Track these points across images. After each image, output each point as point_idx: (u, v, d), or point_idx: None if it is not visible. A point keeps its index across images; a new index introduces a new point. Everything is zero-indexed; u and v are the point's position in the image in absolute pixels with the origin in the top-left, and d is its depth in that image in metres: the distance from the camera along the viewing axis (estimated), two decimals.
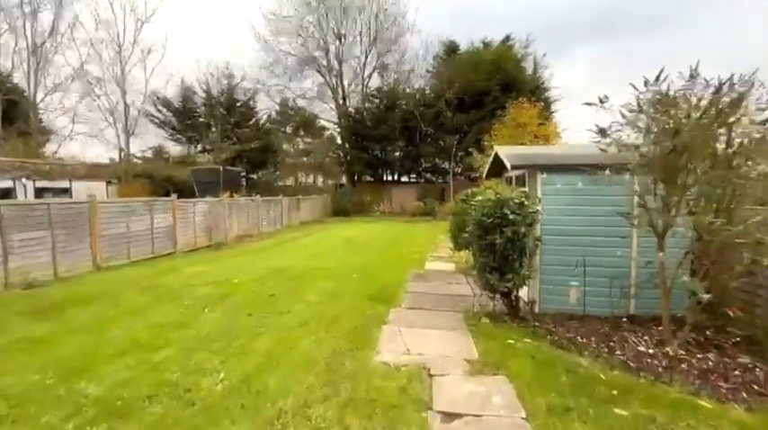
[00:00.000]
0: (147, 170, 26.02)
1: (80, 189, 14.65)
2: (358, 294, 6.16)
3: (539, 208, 4.76)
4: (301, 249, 11.42)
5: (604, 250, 5.15)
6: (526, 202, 4.71)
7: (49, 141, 30.37)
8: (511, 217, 4.58)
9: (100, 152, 35.29)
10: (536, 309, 5.39)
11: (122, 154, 24.29)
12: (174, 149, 34.40)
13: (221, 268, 8.15)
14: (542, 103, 12.85)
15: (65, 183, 14.14)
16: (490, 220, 4.70)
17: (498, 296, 5.14)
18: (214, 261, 9.20)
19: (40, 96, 24.60)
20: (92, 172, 20.40)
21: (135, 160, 29.40)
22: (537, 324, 4.95)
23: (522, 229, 4.60)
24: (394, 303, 5.74)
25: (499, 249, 4.70)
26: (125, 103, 23.38)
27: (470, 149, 11.50)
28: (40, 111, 27.27)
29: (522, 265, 4.81)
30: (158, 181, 24.39)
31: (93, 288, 6.44)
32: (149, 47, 24.33)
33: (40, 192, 13.10)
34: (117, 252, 8.55)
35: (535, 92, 23.47)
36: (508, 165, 5.36)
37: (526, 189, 4.99)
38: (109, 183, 15.79)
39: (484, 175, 8.14)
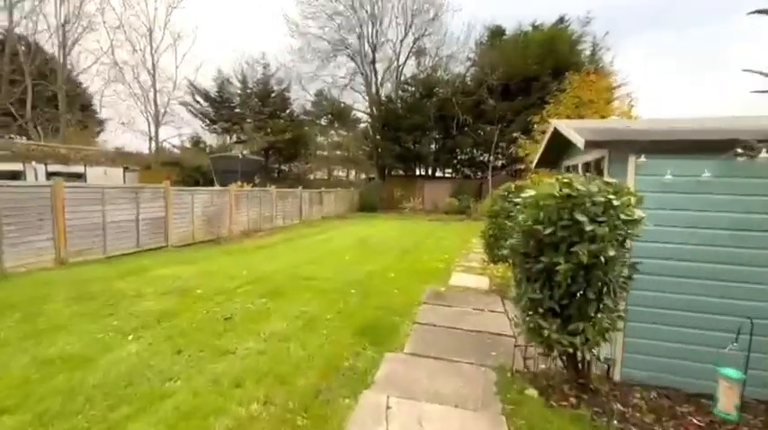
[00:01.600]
0: (177, 159, 26.00)
1: (96, 174, 14.19)
2: (346, 323, 4.39)
3: (640, 213, 2.70)
4: (306, 249, 9.86)
5: (748, 288, 3.00)
6: (616, 202, 2.67)
7: (103, 131, 31.60)
8: (589, 228, 2.58)
9: (137, 142, 36.21)
10: (615, 376, 3.36)
11: (152, 142, 24.19)
12: (212, 140, 34.80)
13: (197, 272, 6.72)
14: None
15: (79, 168, 13.71)
16: (550, 231, 2.73)
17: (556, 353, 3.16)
18: (197, 261, 7.83)
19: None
20: (120, 159, 20.31)
21: (173, 149, 29.73)
22: (621, 407, 2.94)
23: (610, 250, 2.58)
24: (392, 344, 3.92)
25: (563, 280, 2.72)
26: (155, 90, 23.16)
27: (515, 135, 9.32)
28: (94, 102, 28.11)
29: (601, 310, 2.80)
30: (187, 170, 24.20)
31: (17, 292, 5.19)
32: (178, 32, 23.87)
33: (50, 176, 12.65)
34: (89, 245, 7.42)
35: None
36: (580, 143, 3.32)
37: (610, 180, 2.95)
38: (126, 169, 15.30)
39: (534, 164, 6.03)
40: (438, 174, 29.27)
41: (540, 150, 5.45)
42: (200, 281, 6.00)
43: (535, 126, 8.78)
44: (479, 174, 26.07)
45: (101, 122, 30.82)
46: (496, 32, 26.64)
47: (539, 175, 8.25)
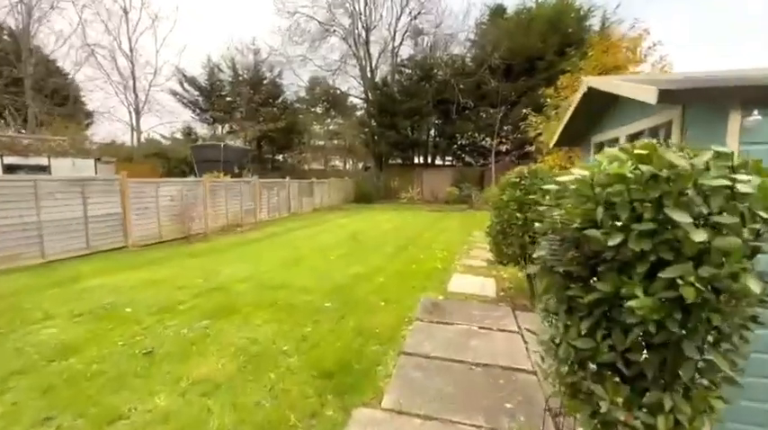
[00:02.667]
0: (163, 150, 24.73)
1: (63, 167, 12.98)
2: (307, 359, 3.23)
3: None
4: (288, 247, 8.69)
5: None
6: (746, 188, 1.45)
7: (92, 123, 30.17)
8: (699, 237, 1.38)
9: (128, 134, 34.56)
10: None
11: (133, 132, 22.90)
12: (204, 130, 33.62)
13: (141, 281, 5.55)
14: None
15: (43, 160, 12.51)
16: (617, 241, 1.53)
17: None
18: (151, 265, 6.66)
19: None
20: (100, 150, 19.06)
21: (164, 140, 28.51)
22: None
23: (743, 277, 1.38)
24: (366, 392, 2.76)
25: (640, 325, 1.53)
26: (134, 77, 21.76)
27: (525, 111, 8.00)
28: (83, 94, 26.59)
29: (703, 371, 1.62)
30: (175, 161, 22.98)
31: None
32: (156, 13, 22.31)
33: (9, 170, 11.50)
34: (19, 249, 6.25)
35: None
36: (650, 96, 2.09)
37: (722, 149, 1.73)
38: (98, 160, 14.11)
39: (552, 143, 4.79)
40: (438, 162, 27.96)
41: (564, 122, 4.21)
42: (137, 294, 4.84)
43: (548, 101, 7.54)
44: (481, 161, 24.77)
45: (89, 114, 29.43)
46: (498, 11, 25.01)
47: (553, 158, 7.01)
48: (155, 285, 5.27)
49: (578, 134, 4.57)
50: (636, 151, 1.63)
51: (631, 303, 1.51)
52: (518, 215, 4.87)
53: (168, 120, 30.44)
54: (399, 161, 27.46)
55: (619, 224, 1.53)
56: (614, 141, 3.65)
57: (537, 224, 2.13)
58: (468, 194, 19.02)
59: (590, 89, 3.38)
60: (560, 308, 1.96)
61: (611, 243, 1.54)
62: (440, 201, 21.90)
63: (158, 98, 28.04)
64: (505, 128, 20.55)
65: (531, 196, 4.80)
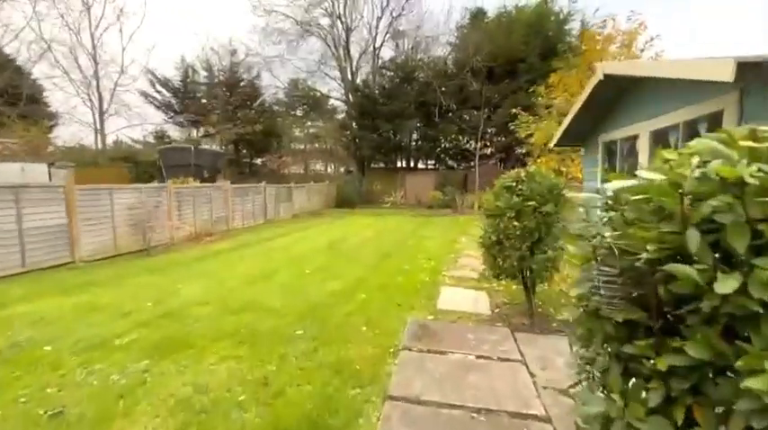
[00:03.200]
0: (133, 153, 23.30)
1: (9, 172, 11.72)
2: (266, 416, 2.52)
3: None
4: (260, 258, 7.91)
5: None
6: None
7: (56, 125, 28.17)
8: None
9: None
10: None
11: (98, 135, 21.48)
12: (179, 134, 32.24)
13: (75, 307, 4.69)
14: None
15: None
16: (733, 287, 0.93)
17: None
18: (94, 286, 5.75)
19: None
20: (60, 154, 17.64)
21: (136, 144, 27.05)
22: None
23: None
24: None
25: None
26: (97, 76, 20.41)
27: (514, 111, 7.52)
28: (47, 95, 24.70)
29: None
30: (145, 166, 21.62)
31: None
32: (122, 8, 21.09)
33: None
34: None
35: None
36: (726, 72, 1.56)
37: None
38: (51, 165, 12.88)
39: (553, 142, 4.28)
40: (420, 165, 27.56)
41: (569, 119, 3.71)
42: (66, 325, 4.00)
43: (540, 98, 7.10)
44: (464, 164, 24.54)
45: (52, 116, 27.51)
46: (478, 15, 24.95)
47: (545, 160, 6.56)
48: (92, 312, 4.43)
49: (581, 133, 4.08)
50: (745, 143, 1.06)
51: (752, 383, 0.92)
52: (516, 224, 4.33)
53: (138, 122, 28.75)
54: (382, 165, 26.91)
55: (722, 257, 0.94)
56: (630, 140, 3.14)
57: (570, 247, 1.54)
58: (452, 198, 18.61)
59: (606, 77, 2.86)
60: (613, 369, 1.37)
61: (721, 290, 0.95)
62: (423, 206, 21.43)
63: (126, 99, 26.51)
64: (489, 130, 20.31)
65: (529, 202, 4.28)
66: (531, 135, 7.14)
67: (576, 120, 3.76)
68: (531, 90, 9.72)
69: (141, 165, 21.61)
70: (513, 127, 7.52)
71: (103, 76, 20.96)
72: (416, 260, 7.70)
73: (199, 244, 9.76)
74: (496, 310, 4.96)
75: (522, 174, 4.57)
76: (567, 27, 22.17)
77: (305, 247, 9.21)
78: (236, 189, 12.73)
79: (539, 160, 6.78)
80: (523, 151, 7.54)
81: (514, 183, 4.55)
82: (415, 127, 24.48)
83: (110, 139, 25.58)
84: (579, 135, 4.08)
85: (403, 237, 10.91)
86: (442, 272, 6.84)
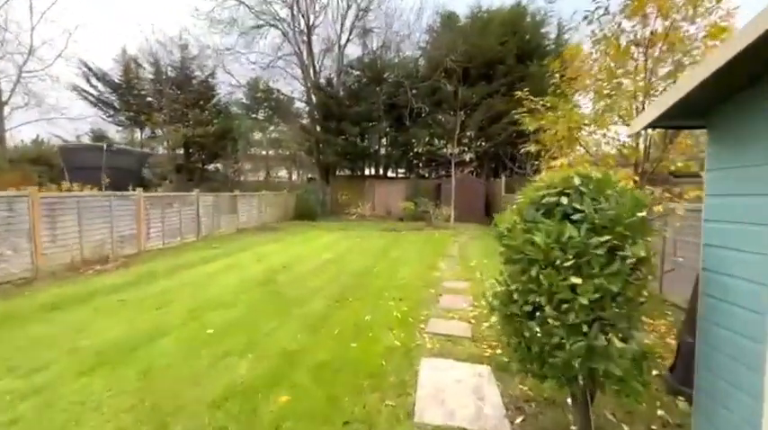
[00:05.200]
0: (46, 155, 19.48)
1: None
2: None
3: None
4: (146, 309, 5.24)
5: None
6: None
7: None
8: None
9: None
10: None
11: None
12: (118, 134, 28.36)
13: None
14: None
15: None
16: None
17: None
18: None
19: None
20: None
21: (52, 145, 22.97)
22: None
23: None
24: None
25: None
26: None
27: (519, 93, 5.59)
28: None
29: None
30: (60, 169, 17.95)
31: None
32: None
33: None
34: None
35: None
36: None
37: None
38: None
39: (643, 124, 2.11)
40: (390, 173, 25.46)
41: (704, 73, 1.60)
42: None
43: (556, 76, 5.15)
44: (437, 172, 22.71)
45: None
46: (451, 16, 23.48)
47: (563, 164, 4.50)
48: None
49: (708, 101, 1.97)
50: None
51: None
52: (574, 280, 2.10)
53: (52, 116, 24.75)
54: (348, 172, 24.56)
55: None
56: None
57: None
58: (426, 210, 16.56)
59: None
60: None
61: None
62: (394, 218, 19.25)
63: (37, 89, 22.57)
64: (469, 133, 18.54)
65: (603, 238, 2.08)
66: (541, 129, 5.10)
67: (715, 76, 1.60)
68: (543, 65, 7.75)
69: (55, 169, 17.96)
70: (517, 117, 5.40)
71: (3, 57, 17.22)
72: (384, 303, 5.36)
73: (79, 277, 6.90)
74: (520, 419, 2.73)
75: (577, 180, 2.36)
76: (543, 30, 21.14)
77: (230, 281, 6.62)
78: (154, 198, 9.86)
79: (555, 163, 4.71)
80: (530, 149, 5.42)
81: (560, 197, 2.33)
82: (384, 131, 22.39)
83: (26, 137, 21.54)
84: (699, 105, 1.94)
85: (369, 261, 8.54)
86: (420, 324, 4.57)
